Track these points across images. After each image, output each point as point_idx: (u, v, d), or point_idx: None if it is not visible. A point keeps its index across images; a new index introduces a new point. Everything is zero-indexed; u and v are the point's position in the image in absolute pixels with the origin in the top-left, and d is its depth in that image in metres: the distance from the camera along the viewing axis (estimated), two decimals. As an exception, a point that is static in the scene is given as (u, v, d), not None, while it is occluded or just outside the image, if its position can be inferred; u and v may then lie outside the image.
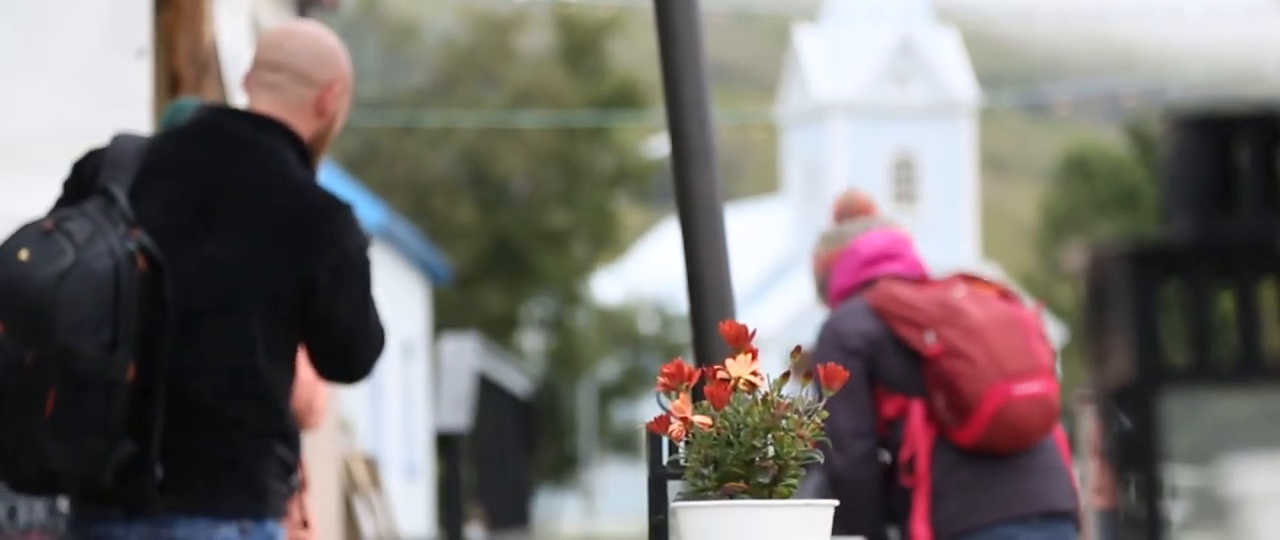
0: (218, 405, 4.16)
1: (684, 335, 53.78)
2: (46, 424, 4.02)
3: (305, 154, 4.32)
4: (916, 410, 5.10)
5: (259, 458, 4.18)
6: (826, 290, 5.42)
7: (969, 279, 5.32)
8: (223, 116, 4.35)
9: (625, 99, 50.04)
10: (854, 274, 5.32)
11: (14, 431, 4.05)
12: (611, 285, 60.32)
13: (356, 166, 45.58)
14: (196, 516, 4.16)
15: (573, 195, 49.68)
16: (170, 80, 6.58)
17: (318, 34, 4.40)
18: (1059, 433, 5.32)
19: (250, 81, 4.36)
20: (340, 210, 4.27)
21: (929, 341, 5.07)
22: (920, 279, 5.32)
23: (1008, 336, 5.09)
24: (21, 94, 6.09)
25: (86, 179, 4.30)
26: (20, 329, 4.03)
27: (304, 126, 4.32)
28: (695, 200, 4.38)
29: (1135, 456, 1.57)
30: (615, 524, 56.27)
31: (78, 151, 6.04)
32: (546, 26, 52.30)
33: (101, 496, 4.18)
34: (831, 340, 5.19)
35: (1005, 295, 5.28)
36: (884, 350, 5.15)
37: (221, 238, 4.19)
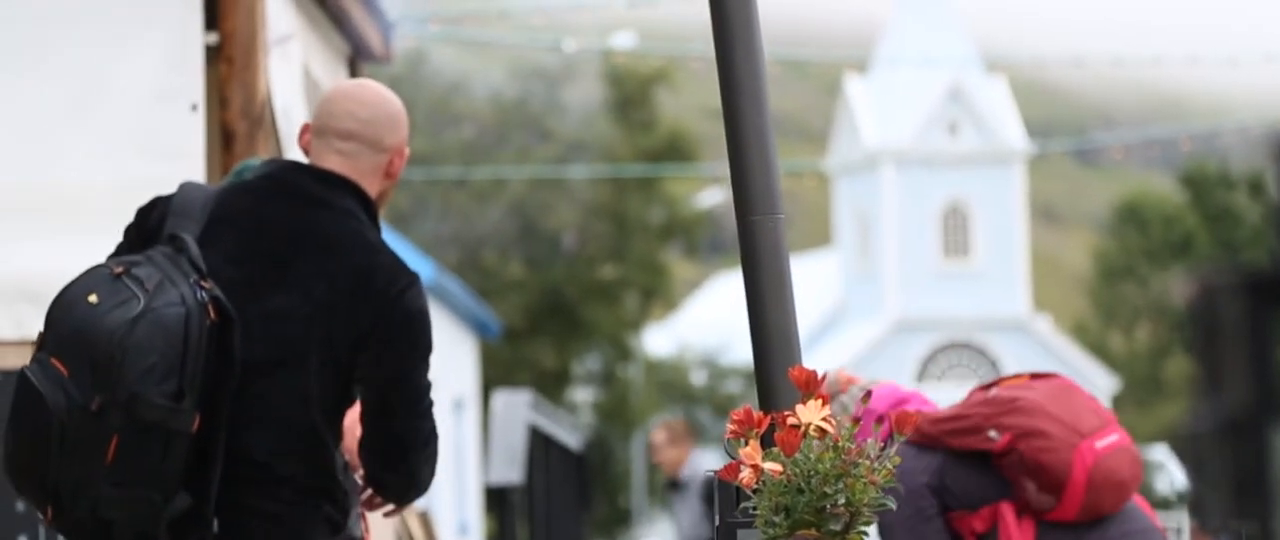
0: (269, 461, 4.10)
1: (734, 388, 53.65)
2: (106, 470, 3.98)
3: (374, 215, 4.29)
4: (1007, 512, 4.99)
5: (307, 516, 4.12)
6: None
7: (994, 385, 5.22)
8: (294, 172, 4.28)
9: (675, 151, 50.06)
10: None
11: (72, 475, 4.01)
12: (662, 339, 60.24)
13: (405, 222, 45.68)
14: None
15: (623, 248, 49.69)
16: (223, 134, 6.57)
17: (386, 98, 4.35)
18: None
19: (318, 148, 4.29)
20: (407, 275, 4.23)
21: (993, 437, 4.96)
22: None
23: (1067, 402, 4.99)
24: (75, 147, 6.08)
25: (151, 226, 4.26)
26: (88, 373, 3.99)
27: (372, 188, 4.29)
28: (759, 246, 4.32)
29: (1250, 493, 1.50)
30: (668, 578, 56.04)
31: (131, 205, 6.03)
32: (595, 79, 52.40)
33: None
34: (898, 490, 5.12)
35: (1036, 376, 5.17)
36: (951, 472, 5.04)
37: (289, 292, 4.14)
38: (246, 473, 4.11)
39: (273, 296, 4.15)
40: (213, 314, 4.04)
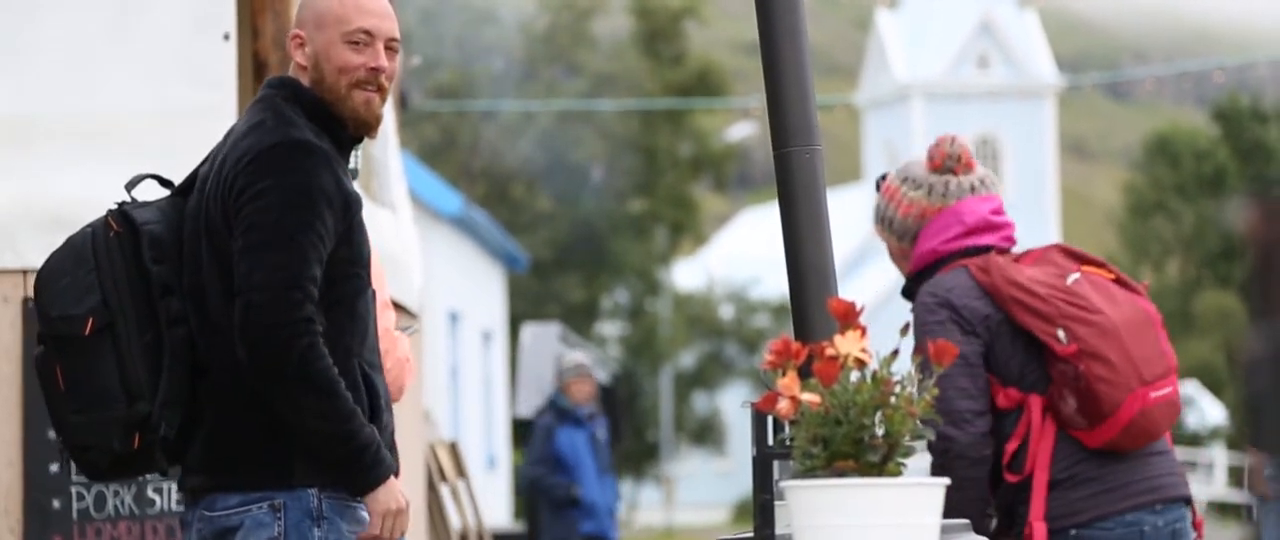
0: (226, 367, 4.12)
1: (763, 322, 53.67)
2: (63, 399, 4.13)
3: (304, 99, 4.21)
4: (1035, 406, 4.91)
5: (276, 423, 4.09)
6: (910, 239, 5.12)
7: (1076, 256, 5.11)
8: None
9: (704, 85, 49.93)
10: (955, 241, 5.07)
11: (56, 417, 4.16)
12: (690, 273, 60.25)
13: (434, 155, 45.68)
14: (227, 492, 4.13)
15: (651, 182, 49.64)
16: (255, 64, 6.56)
17: None
18: None
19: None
20: (284, 142, 4.11)
21: (1062, 339, 4.87)
22: (1016, 252, 5.16)
23: (1141, 338, 4.89)
24: (111, 76, 6.08)
25: None
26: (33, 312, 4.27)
27: (300, 75, 4.27)
28: (796, 177, 4.29)
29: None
30: (694, 515, 56.19)
31: (164, 134, 6.03)
32: (625, 11, 52.26)
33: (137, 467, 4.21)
34: (946, 313, 4.97)
35: (1122, 281, 5.05)
36: (1001, 337, 4.94)
37: (201, 199, 4.22)
38: (211, 385, 4.14)
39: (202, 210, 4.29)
40: (115, 226, 4.14)
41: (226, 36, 6.14)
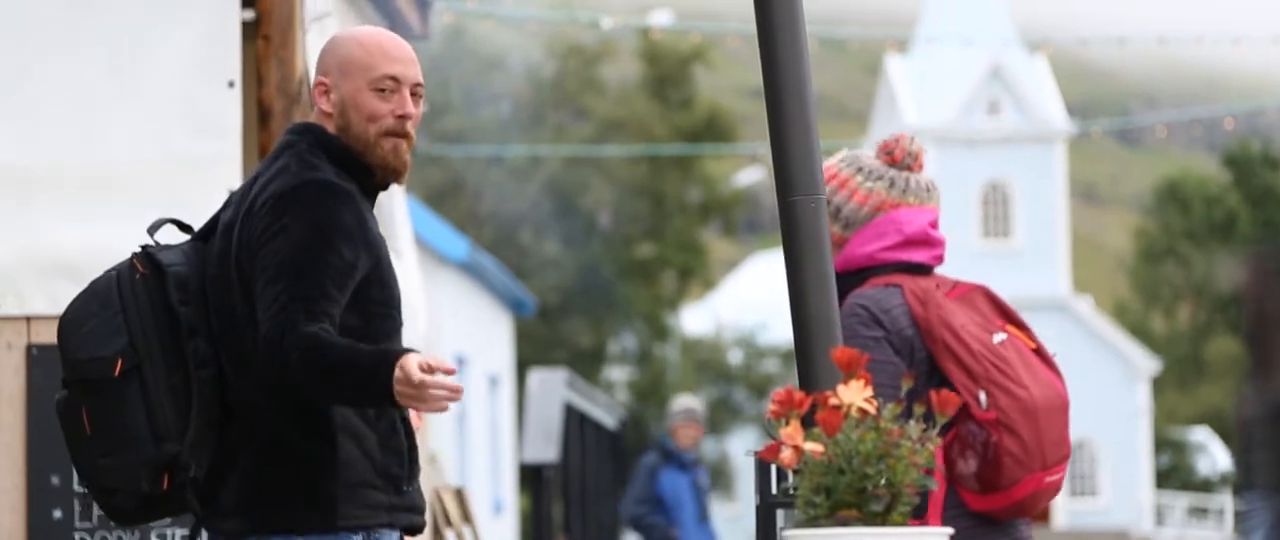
0: (261, 408, 4.11)
1: (771, 367, 53.62)
2: (90, 443, 4.09)
3: (330, 146, 4.21)
4: (938, 454, 4.66)
5: (320, 464, 4.08)
6: (854, 230, 4.93)
7: (999, 308, 4.96)
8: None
9: (712, 130, 49.99)
10: (893, 250, 4.90)
11: (82, 463, 4.13)
12: (699, 318, 60.21)
13: (441, 199, 45.73)
14: (266, 535, 4.10)
15: (659, 227, 49.68)
16: (260, 111, 6.56)
17: (329, 39, 4.39)
18: None
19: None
20: (306, 182, 4.12)
21: (982, 403, 4.74)
22: (940, 274, 4.98)
23: (1054, 421, 4.79)
24: (114, 124, 6.08)
25: None
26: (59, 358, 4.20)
27: (325, 122, 4.27)
28: (800, 226, 4.29)
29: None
30: (704, 557, 55.99)
31: (168, 182, 6.03)
32: (633, 56, 52.35)
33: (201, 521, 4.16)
34: (882, 332, 4.81)
35: (1041, 353, 4.93)
36: (918, 374, 4.81)
37: (229, 242, 4.22)
38: (246, 432, 4.12)
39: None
40: (140, 268, 4.11)
41: (231, 84, 6.14)
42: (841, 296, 4.84)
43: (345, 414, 4.13)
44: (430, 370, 3.94)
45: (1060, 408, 4.84)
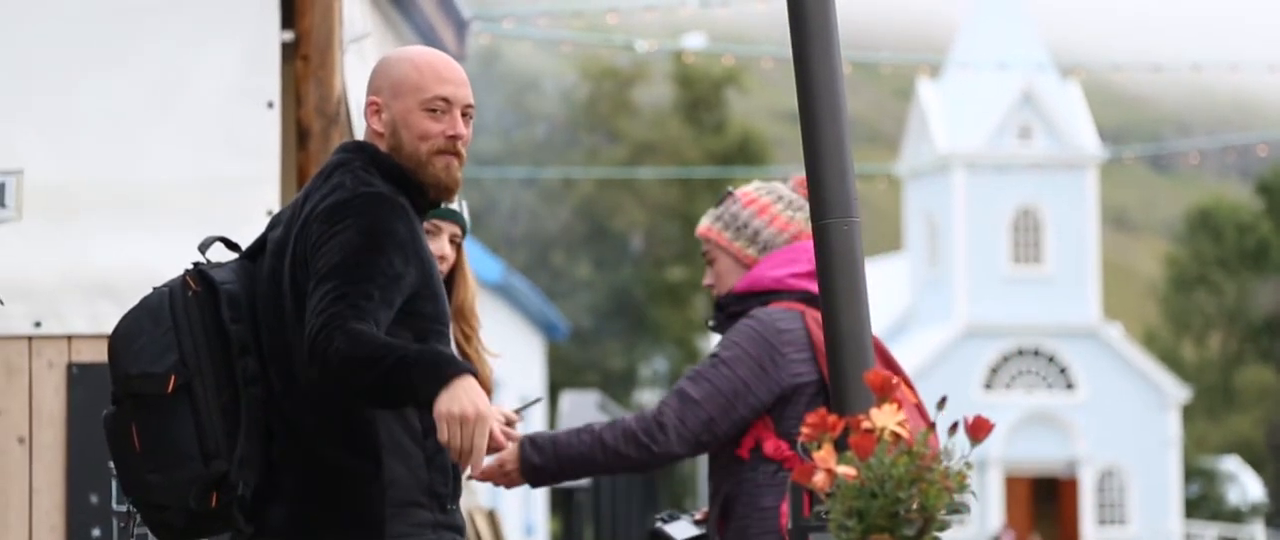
0: (314, 425, 4.12)
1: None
2: (139, 459, 4.09)
3: (382, 164, 4.24)
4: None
5: (366, 481, 4.10)
6: (765, 250, 5.05)
7: (883, 357, 4.99)
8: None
9: (745, 153, 50.00)
10: (799, 279, 5.02)
11: (129, 477, 4.12)
12: (730, 340, 60.04)
13: (474, 222, 45.84)
14: None
15: (691, 250, 49.68)
16: (298, 132, 6.60)
17: (384, 58, 4.41)
18: None
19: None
20: (360, 194, 4.13)
21: None
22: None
23: None
24: (154, 144, 6.12)
25: None
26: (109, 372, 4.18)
27: (377, 141, 4.30)
28: (834, 249, 4.30)
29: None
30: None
31: (207, 202, 6.08)
32: (666, 80, 52.40)
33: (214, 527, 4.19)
34: (765, 354, 4.90)
35: (920, 409, 4.98)
36: (803, 396, 4.92)
37: (281, 259, 4.21)
38: (293, 449, 4.13)
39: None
40: (193, 285, 4.13)
41: (270, 105, 6.18)
42: (740, 315, 5.01)
43: (393, 433, 4.14)
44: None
45: None
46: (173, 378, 4.06)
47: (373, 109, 4.29)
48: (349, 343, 3.93)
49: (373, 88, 4.31)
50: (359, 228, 4.07)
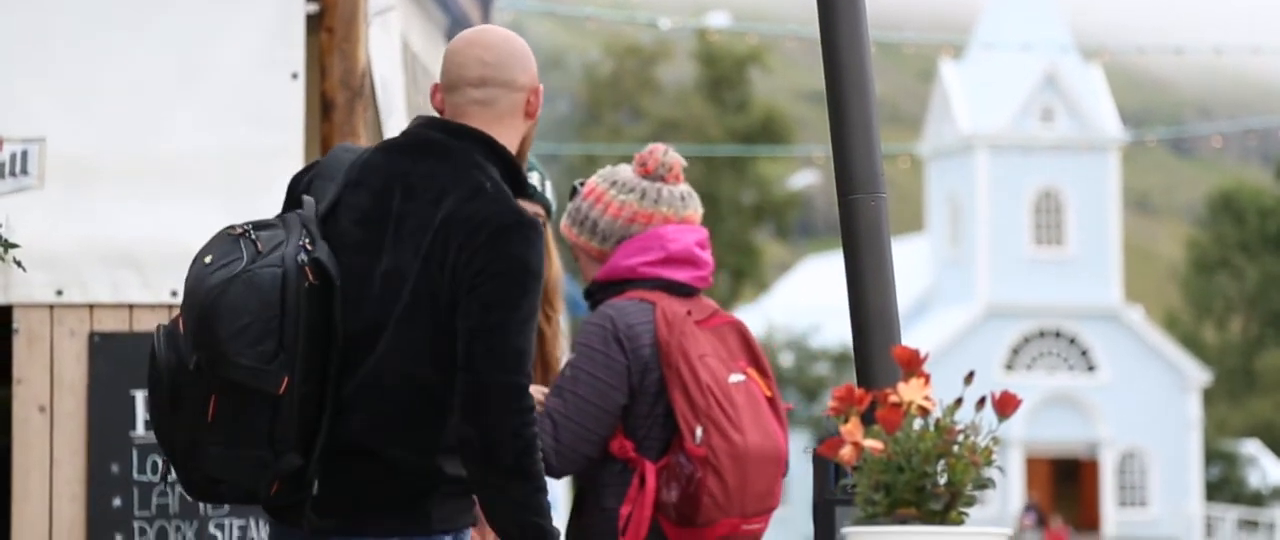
0: (374, 429, 4.05)
1: (822, 370, 53.55)
2: (209, 428, 3.98)
3: (510, 162, 4.16)
4: (650, 473, 4.76)
5: (422, 475, 4.06)
6: (614, 243, 4.96)
7: (749, 348, 4.94)
8: (426, 127, 4.19)
9: (768, 132, 49.97)
10: (654, 267, 4.92)
11: (184, 434, 4.01)
12: (751, 320, 60.14)
13: (498, 198, 45.79)
14: (353, 536, 4.07)
15: (714, 228, 49.71)
16: (323, 104, 6.59)
17: (510, 37, 4.24)
18: None
19: (453, 102, 4.19)
20: (513, 216, 4.02)
21: (697, 438, 4.72)
22: (707, 301, 4.94)
23: (762, 473, 4.72)
24: (179, 116, 6.11)
25: (301, 190, 4.21)
26: (192, 332, 3.99)
27: (511, 134, 4.19)
28: (860, 224, 4.29)
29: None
30: (752, 559, 55.96)
31: (231, 173, 6.06)
32: (690, 58, 52.36)
33: (281, 513, 4.13)
34: (615, 351, 4.81)
35: (773, 402, 4.89)
36: (646, 394, 4.81)
37: (401, 250, 4.06)
38: (353, 439, 4.05)
39: (389, 256, 4.07)
40: (311, 276, 3.99)
41: (294, 76, 6.17)
42: (598, 306, 4.92)
43: (450, 433, 4.08)
44: None
45: (773, 460, 4.78)
46: (285, 380, 3.93)
47: (538, 96, 4.20)
48: (532, 474, 3.99)
49: (533, 71, 4.20)
50: (524, 268, 4.00)
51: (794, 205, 52.78)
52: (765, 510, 4.77)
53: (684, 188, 5.04)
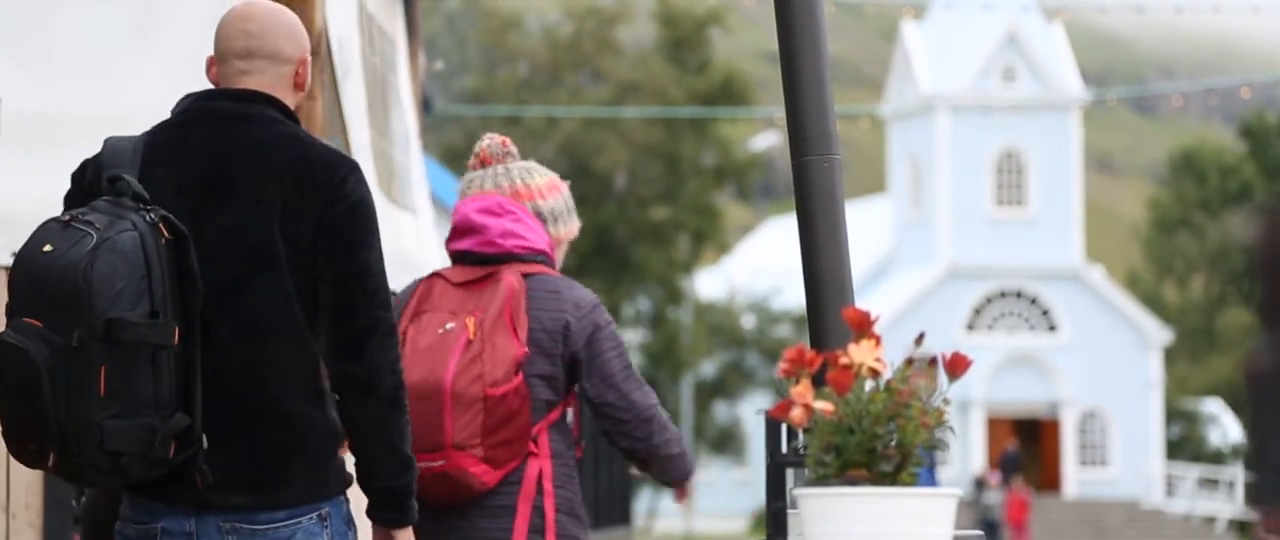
0: (255, 372, 4.11)
1: (784, 332, 53.64)
2: (102, 403, 4.00)
3: (296, 121, 4.29)
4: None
5: (321, 430, 4.11)
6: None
7: (504, 302, 5.00)
8: (207, 99, 4.30)
9: (728, 94, 49.93)
10: (449, 243, 5.14)
11: (72, 416, 4.02)
12: (712, 282, 60.19)
13: (457, 159, 45.74)
14: (274, 508, 4.11)
15: (674, 190, 49.66)
16: (278, 66, 6.56)
17: (276, 10, 4.34)
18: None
19: (223, 73, 4.29)
20: (346, 164, 4.20)
21: None
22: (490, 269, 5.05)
23: (420, 410, 4.83)
24: (129, 75, 6.09)
25: (87, 185, 4.28)
26: (58, 315, 4.03)
27: (287, 101, 4.29)
28: (813, 186, 4.29)
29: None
30: (713, 523, 56.13)
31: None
32: (650, 19, 52.28)
33: (167, 488, 4.14)
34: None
35: (472, 344, 4.97)
36: None
37: (240, 205, 4.16)
38: (235, 387, 4.10)
39: (224, 214, 4.17)
40: (166, 232, 4.08)
41: (249, 37, 6.14)
42: None
43: (324, 377, 4.16)
44: None
45: (426, 396, 4.88)
46: (177, 329, 4.01)
47: (306, 67, 4.31)
48: (404, 404, 4.14)
49: (304, 43, 4.31)
50: (370, 203, 4.16)
51: (755, 167, 52.78)
52: (432, 447, 4.87)
53: (490, 169, 5.18)
